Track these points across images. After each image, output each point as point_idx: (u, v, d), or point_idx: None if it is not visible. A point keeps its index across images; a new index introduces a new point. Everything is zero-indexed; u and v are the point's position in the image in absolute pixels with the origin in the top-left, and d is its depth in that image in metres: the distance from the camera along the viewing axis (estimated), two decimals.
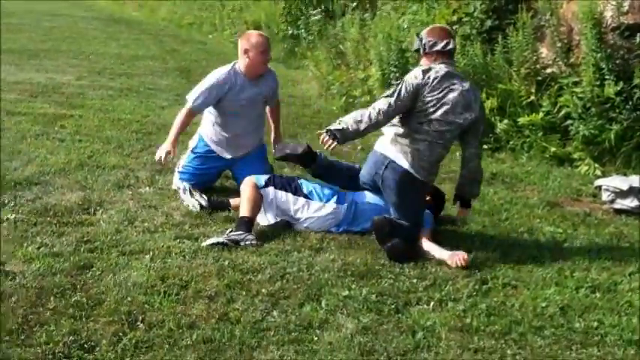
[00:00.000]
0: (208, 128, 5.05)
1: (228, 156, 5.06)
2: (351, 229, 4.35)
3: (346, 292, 3.51)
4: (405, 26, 8.03)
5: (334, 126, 4.09)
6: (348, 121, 4.08)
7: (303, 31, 12.26)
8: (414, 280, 3.69)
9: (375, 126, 4.09)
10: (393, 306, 3.40)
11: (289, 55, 12.39)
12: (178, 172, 5.07)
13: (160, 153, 4.75)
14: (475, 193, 4.40)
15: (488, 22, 7.20)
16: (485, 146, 6.70)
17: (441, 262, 3.94)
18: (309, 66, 10.44)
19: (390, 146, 4.14)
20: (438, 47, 4.15)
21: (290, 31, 12.60)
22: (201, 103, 4.86)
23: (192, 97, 4.89)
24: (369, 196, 4.48)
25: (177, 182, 5.01)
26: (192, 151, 5.12)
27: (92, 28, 17.05)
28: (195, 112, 4.93)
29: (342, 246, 4.14)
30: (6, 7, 18.65)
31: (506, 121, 6.65)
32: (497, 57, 6.87)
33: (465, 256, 3.92)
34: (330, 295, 3.48)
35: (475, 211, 4.82)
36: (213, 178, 5.21)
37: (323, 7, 11.48)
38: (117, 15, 20.78)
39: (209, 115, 5.01)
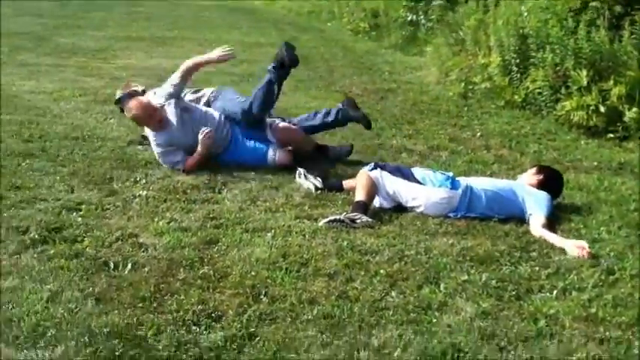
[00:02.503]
0: None
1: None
2: (469, 214, 4.30)
3: (465, 277, 3.48)
4: (525, 13, 7.83)
5: None
6: None
7: (422, 17, 12.16)
8: (536, 268, 3.61)
9: None
10: (513, 292, 3.34)
11: (407, 41, 12.31)
12: None
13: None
14: None
15: (617, 8, 6.90)
16: (611, 135, 6.44)
17: (563, 251, 3.84)
18: (428, 52, 10.34)
19: None
20: None
21: (409, 18, 12.52)
22: None
23: None
24: (485, 181, 4.46)
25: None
26: None
27: (214, 17, 17.59)
28: None
29: (460, 231, 4.10)
30: None
31: (635, 109, 6.34)
32: (625, 43, 6.57)
33: (588, 249, 3.80)
34: (449, 278, 3.47)
35: (601, 200, 4.66)
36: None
37: None
38: (238, 4, 21.32)
39: None
